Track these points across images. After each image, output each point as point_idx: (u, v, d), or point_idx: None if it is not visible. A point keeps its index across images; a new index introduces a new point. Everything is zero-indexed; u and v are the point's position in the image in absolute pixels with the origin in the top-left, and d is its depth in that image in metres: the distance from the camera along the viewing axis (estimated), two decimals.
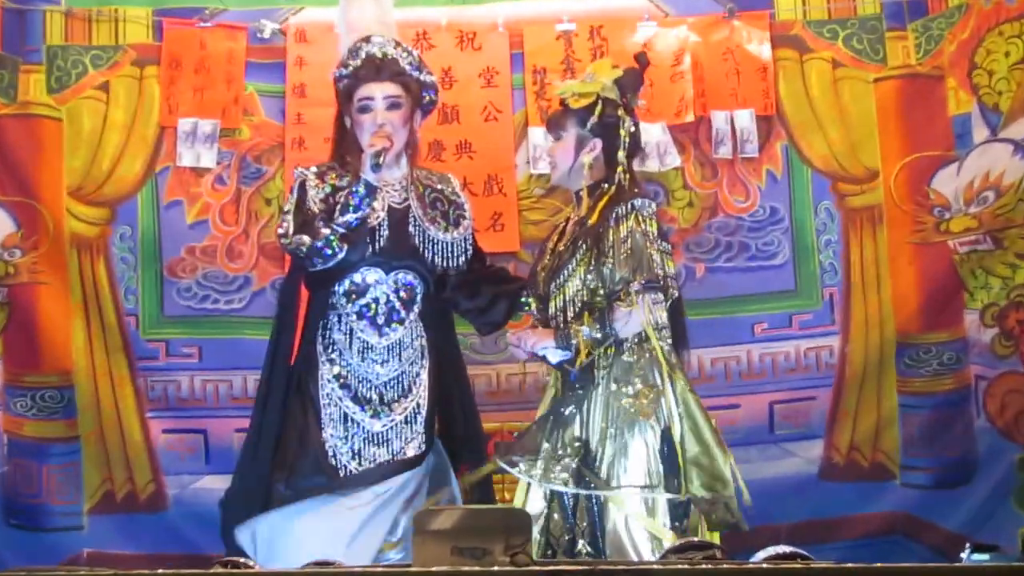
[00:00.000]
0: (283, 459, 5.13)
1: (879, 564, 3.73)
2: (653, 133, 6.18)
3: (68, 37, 6.39)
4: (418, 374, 5.26)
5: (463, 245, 5.39)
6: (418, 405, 5.23)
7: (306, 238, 5.08)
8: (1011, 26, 6.31)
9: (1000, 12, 6.33)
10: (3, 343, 6.26)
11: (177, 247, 6.37)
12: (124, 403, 6.28)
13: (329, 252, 5.07)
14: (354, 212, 5.08)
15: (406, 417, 5.18)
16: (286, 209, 5.29)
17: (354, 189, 5.10)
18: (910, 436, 6.36)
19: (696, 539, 4.51)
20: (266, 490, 5.11)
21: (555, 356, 4.94)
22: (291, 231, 5.14)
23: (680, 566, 3.71)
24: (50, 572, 4.31)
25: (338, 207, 5.12)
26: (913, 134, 6.43)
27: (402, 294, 5.24)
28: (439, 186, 5.47)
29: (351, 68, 5.31)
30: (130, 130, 6.37)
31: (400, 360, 5.22)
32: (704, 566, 3.70)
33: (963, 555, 4.10)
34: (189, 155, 6.35)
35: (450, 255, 5.34)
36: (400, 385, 5.20)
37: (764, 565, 3.84)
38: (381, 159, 5.10)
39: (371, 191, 5.11)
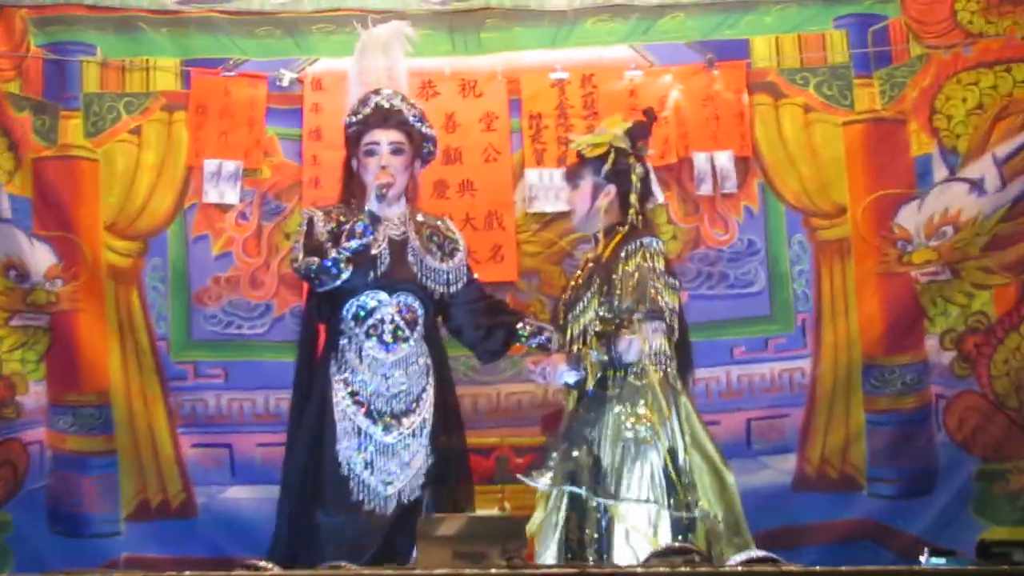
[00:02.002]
0: (312, 479, 5.43)
1: (844, 567, 3.96)
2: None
3: (103, 85, 6.62)
4: (424, 389, 5.54)
5: (457, 274, 5.70)
6: (424, 420, 5.50)
7: (315, 259, 5.38)
8: (968, 74, 6.59)
9: (958, 61, 6.59)
10: (46, 366, 6.49)
11: (204, 277, 6.62)
12: (157, 420, 6.53)
13: (335, 271, 5.36)
14: (359, 238, 5.37)
15: (413, 431, 5.47)
16: (296, 241, 5.60)
17: (359, 218, 5.41)
18: (876, 450, 6.58)
19: (677, 544, 4.65)
20: (300, 513, 5.43)
21: (571, 377, 5.18)
22: (301, 257, 5.46)
23: (660, 569, 3.91)
24: (88, 575, 4.63)
25: (344, 234, 5.42)
26: (878, 173, 6.65)
27: (406, 315, 5.52)
28: (435, 223, 5.78)
29: (361, 116, 5.61)
30: (160, 170, 6.62)
31: (407, 375, 5.49)
32: (683, 569, 3.88)
33: (921, 559, 4.35)
34: (214, 193, 6.60)
35: (446, 282, 5.64)
36: (408, 399, 5.49)
37: (739, 569, 4.11)
38: (385, 191, 5.42)
39: (375, 220, 5.42)
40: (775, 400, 6.69)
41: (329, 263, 5.38)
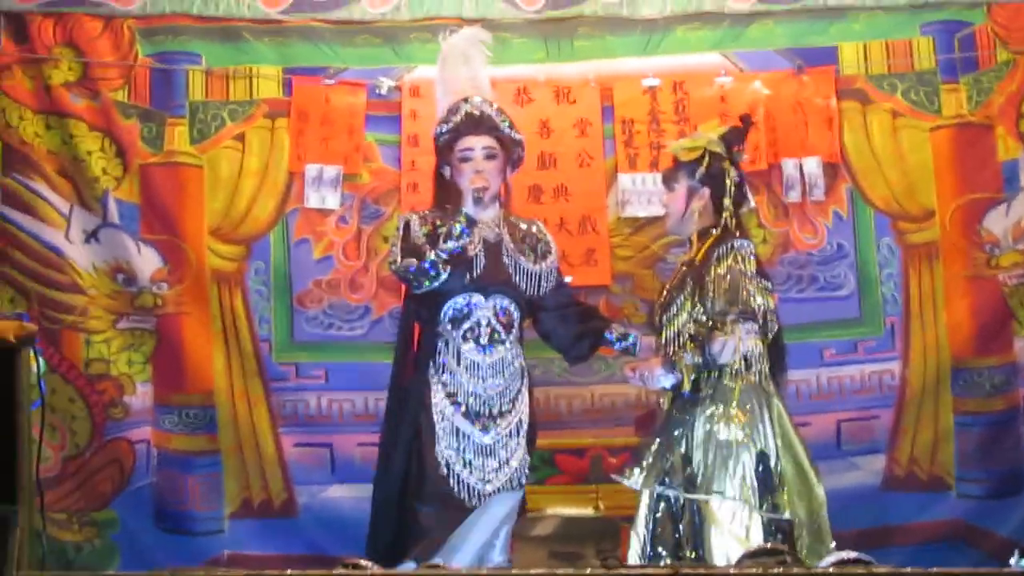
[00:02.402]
0: (411, 477, 5.45)
1: (935, 568, 4.01)
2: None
3: (208, 93, 6.74)
4: (520, 391, 5.58)
5: (549, 276, 5.69)
6: (521, 420, 5.54)
7: (413, 260, 5.42)
8: None
9: None
10: (153, 367, 6.61)
11: (305, 280, 6.71)
12: (259, 420, 6.65)
13: (433, 272, 5.39)
14: (456, 240, 5.40)
15: (511, 431, 5.50)
16: (394, 244, 5.62)
17: (456, 220, 5.46)
18: (964, 451, 6.63)
19: (769, 545, 4.73)
20: (398, 509, 5.46)
21: (667, 381, 5.22)
22: (399, 259, 5.49)
23: (753, 570, 3.97)
24: (192, 572, 4.71)
25: (441, 237, 5.44)
26: (966, 178, 6.70)
27: (502, 318, 5.55)
28: (528, 226, 5.81)
29: (452, 123, 5.62)
30: (263, 176, 6.73)
31: (504, 377, 5.51)
32: (775, 570, 3.92)
33: (1012, 560, 4.33)
34: (315, 198, 6.69)
35: (539, 284, 5.64)
36: (505, 400, 5.51)
37: (831, 570, 4.16)
38: (481, 195, 5.48)
39: (471, 223, 5.46)
40: (865, 402, 6.75)
41: (428, 264, 5.41)
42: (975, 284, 6.71)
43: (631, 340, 5.74)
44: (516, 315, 5.64)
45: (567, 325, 5.84)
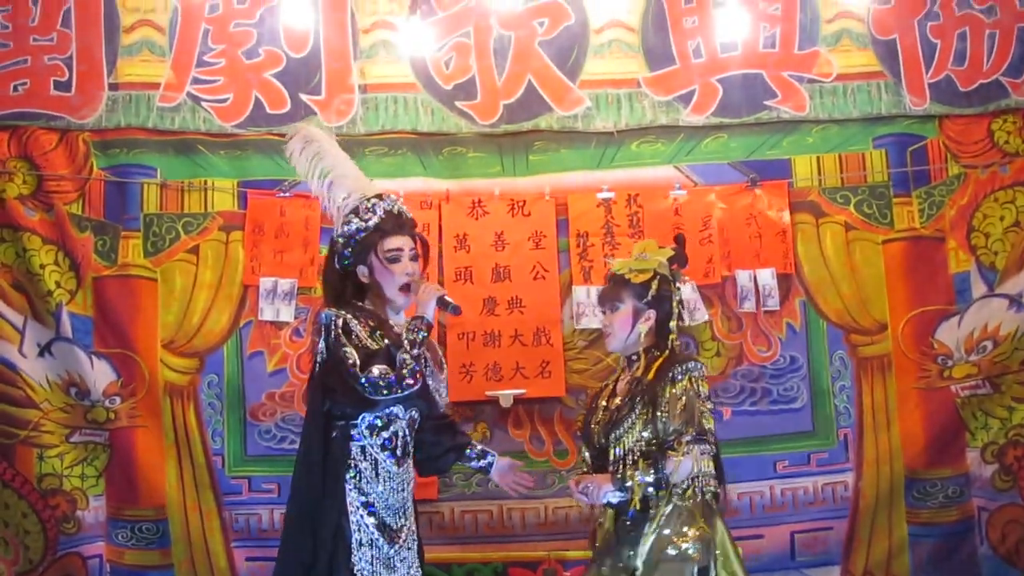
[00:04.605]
0: None
1: None
2: (684, 291, 6.05)
3: (163, 206, 6.74)
4: (413, 503, 5.49)
5: (445, 389, 5.62)
6: (413, 531, 5.43)
7: (386, 367, 5.12)
8: (1005, 193, 6.74)
9: (995, 180, 6.73)
10: (106, 481, 6.58)
11: (259, 393, 6.69)
12: (212, 534, 6.61)
13: (411, 382, 5.14)
14: (419, 347, 5.22)
15: (408, 544, 5.38)
16: (341, 346, 5.16)
17: (419, 326, 5.24)
18: (919, 562, 6.69)
19: None
20: None
21: (615, 498, 5.16)
22: (358, 361, 5.12)
23: None
24: None
25: (406, 342, 5.19)
26: (918, 290, 6.79)
27: (412, 429, 5.44)
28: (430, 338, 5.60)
29: (373, 222, 5.39)
30: (217, 289, 6.73)
31: (410, 489, 5.43)
32: None
33: None
34: (270, 310, 6.71)
35: (440, 397, 5.55)
36: (405, 511, 5.39)
37: None
38: (449, 300, 5.30)
39: (430, 330, 5.30)
40: (818, 513, 6.77)
41: (407, 373, 5.15)
42: (928, 396, 6.77)
43: (488, 460, 5.72)
44: (418, 426, 5.54)
45: (440, 437, 5.73)
